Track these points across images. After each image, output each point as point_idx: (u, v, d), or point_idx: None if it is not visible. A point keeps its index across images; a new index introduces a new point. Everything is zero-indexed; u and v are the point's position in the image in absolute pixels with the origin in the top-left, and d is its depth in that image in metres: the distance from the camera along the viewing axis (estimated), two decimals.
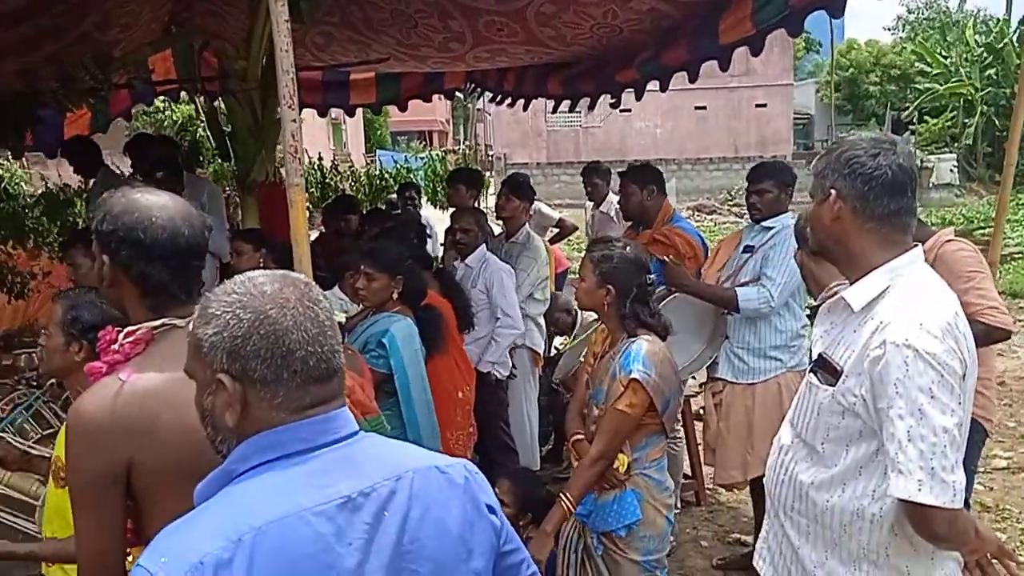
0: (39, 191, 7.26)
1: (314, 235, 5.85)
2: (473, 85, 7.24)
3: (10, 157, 7.42)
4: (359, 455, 1.23)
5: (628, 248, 2.78)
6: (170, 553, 1.09)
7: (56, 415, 3.18)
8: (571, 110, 6.31)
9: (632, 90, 5.30)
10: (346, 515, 1.16)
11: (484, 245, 4.54)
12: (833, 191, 1.86)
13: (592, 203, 6.31)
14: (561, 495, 2.64)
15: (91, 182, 5.87)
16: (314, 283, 1.29)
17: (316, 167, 7.99)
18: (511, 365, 4.48)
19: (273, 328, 1.17)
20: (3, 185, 7.22)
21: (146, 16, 4.74)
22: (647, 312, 2.72)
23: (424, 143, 32.23)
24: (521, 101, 6.74)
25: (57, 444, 2.28)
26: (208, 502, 1.17)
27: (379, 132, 29.21)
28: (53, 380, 3.56)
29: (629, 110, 28.13)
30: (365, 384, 2.92)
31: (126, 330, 1.63)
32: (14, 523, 2.92)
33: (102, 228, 1.63)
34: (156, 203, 1.65)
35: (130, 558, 1.56)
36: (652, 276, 2.84)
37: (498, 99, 6.99)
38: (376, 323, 3.30)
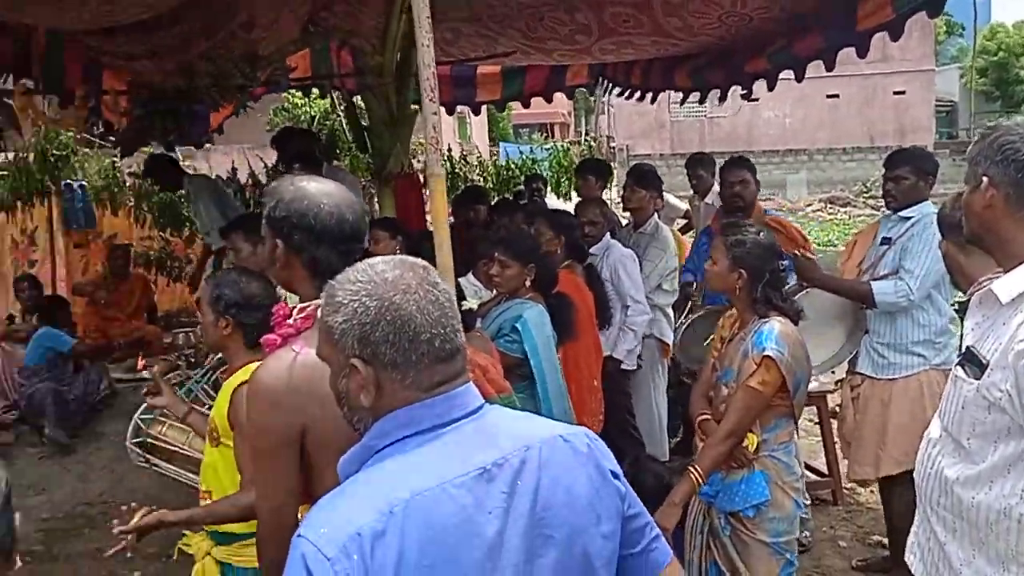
0: None
1: None
2: (602, 80, 7.25)
3: (164, 150, 7.98)
4: (489, 427, 1.29)
5: (762, 233, 2.79)
6: (328, 524, 1.16)
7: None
8: (700, 102, 6.22)
9: (764, 80, 5.19)
10: (483, 485, 1.21)
11: (609, 234, 4.58)
12: (986, 178, 1.80)
13: (696, 194, 6.22)
14: (690, 468, 2.66)
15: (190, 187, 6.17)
16: (431, 266, 1.33)
17: (446, 159, 8.21)
18: (638, 355, 4.49)
19: (399, 314, 1.22)
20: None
21: (287, 17, 5.01)
22: (779, 296, 2.74)
23: (545, 135, 32.38)
24: (649, 94, 6.72)
25: (215, 407, 2.52)
26: (357, 476, 1.24)
27: (502, 125, 29.57)
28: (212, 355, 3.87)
29: (757, 99, 27.27)
30: (495, 364, 3.02)
31: (298, 306, 1.77)
32: (178, 475, 3.19)
33: (275, 215, 1.76)
34: (323, 191, 1.77)
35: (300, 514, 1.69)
36: (785, 262, 2.84)
37: (626, 93, 6.97)
38: (509, 309, 3.40)
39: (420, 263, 1.31)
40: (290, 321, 1.75)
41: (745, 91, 5.53)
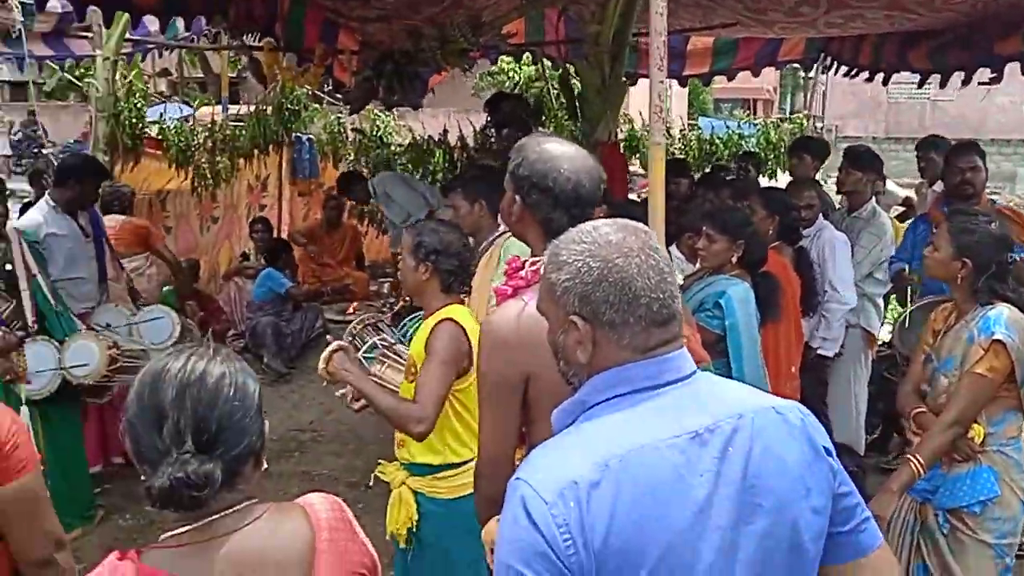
0: (407, 141, 8.22)
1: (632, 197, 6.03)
2: (823, 56, 6.89)
3: (384, 109, 8.44)
4: (701, 393, 1.30)
5: (994, 223, 2.66)
6: (546, 471, 1.21)
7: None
8: (942, 86, 5.76)
9: (1018, 63, 4.73)
10: (696, 448, 1.23)
11: (821, 216, 4.40)
12: None
13: (924, 180, 5.77)
14: (910, 456, 2.55)
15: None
16: (652, 231, 1.36)
17: (643, 129, 8.16)
18: (840, 343, 4.31)
19: (620, 276, 1.25)
20: (379, 134, 8.26)
21: None
22: (1006, 287, 2.60)
23: (748, 111, 31.15)
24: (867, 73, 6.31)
25: (413, 344, 2.72)
26: (573, 428, 1.29)
27: (702, 98, 28.75)
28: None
29: (988, 82, 24.85)
30: (695, 335, 3.02)
31: (529, 260, 1.86)
32: None
33: (518, 172, 1.85)
34: (566, 155, 1.83)
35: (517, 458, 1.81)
36: (1014, 255, 2.66)
37: (853, 72, 6.57)
38: (713, 284, 3.37)
39: (642, 228, 1.33)
40: (521, 274, 1.85)
41: (995, 75, 5.07)
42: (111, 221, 5.35)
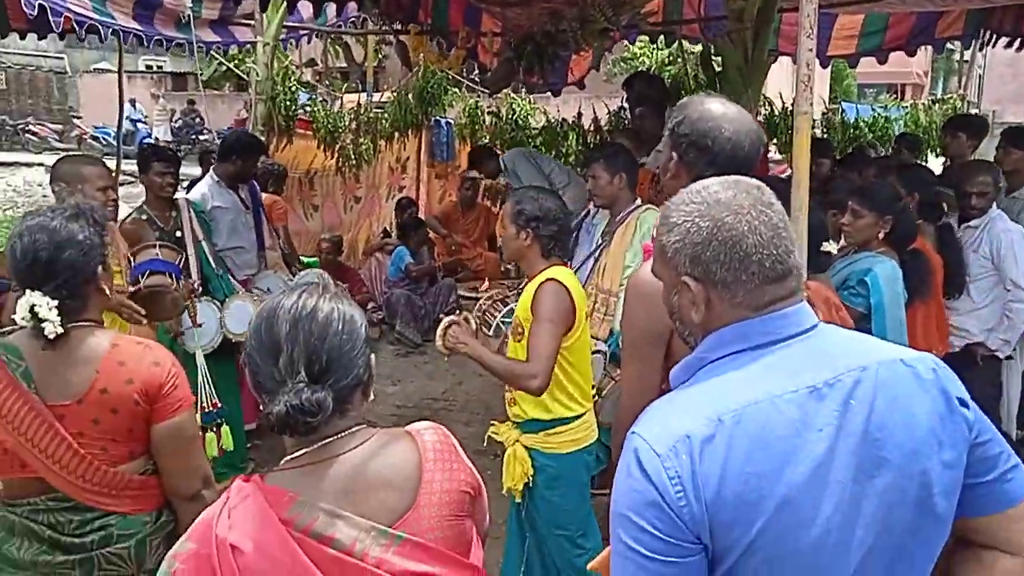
0: (541, 124, 8.34)
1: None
2: (982, 32, 6.49)
3: (523, 92, 8.57)
4: (823, 347, 1.28)
5: None
6: (660, 425, 1.22)
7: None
8: None
9: None
10: (813, 403, 1.21)
11: (993, 203, 4.15)
12: None
13: None
14: None
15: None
16: (765, 186, 1.32)
17: (781, 113, 7.92)
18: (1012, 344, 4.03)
19: (730, 234, 1.24)
20: (515, 117, 8.41)
21: None
22: None
23: (895, 96, 29.52)
24: None
25: (519, 306, 2.82)
26: (688, 384, 1.30)
27: (846, 83, 27.48)
28: None
29: None
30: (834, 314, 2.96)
31: None
32: None
33: (678, 130, 1.87)
34: (728, 116, 1.84)
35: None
36: None
37: (1017, 46, 6.12)
38: (858, 261, 3.29)
39: (755, 183, 1.31)
40: None
41: None
42: None
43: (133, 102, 19.21)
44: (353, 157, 7.58)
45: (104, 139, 19.46)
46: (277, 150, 6.66)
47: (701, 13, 6.11)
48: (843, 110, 10.95)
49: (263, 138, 6.15)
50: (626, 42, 7.26)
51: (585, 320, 2.85)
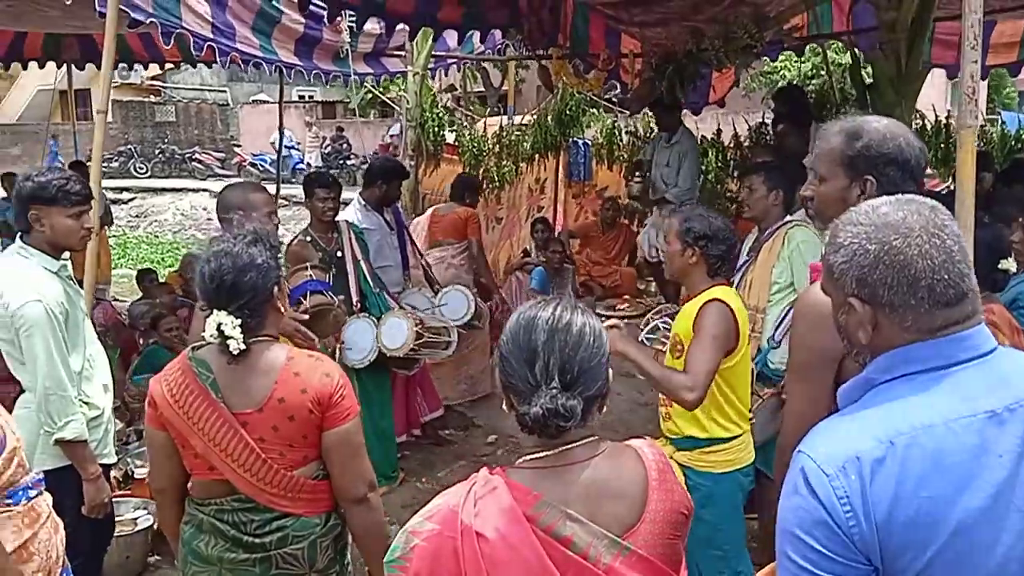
0: None
1: None
2: None
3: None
4: (1001, 371, 1.25)
5: None
6: (828, 445, 1.22)
7: None
8: None
9: None
10: (993, 429, 1.19)
11: None
12: None
13: None
14: None
15: None
16: (940, 206, 1.28)
17: (935, 127, 7.55)
18: None
19: (898, 258, 1.22)
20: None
21: None
22: None
23: None
24: None
25: (678, 324, 2.82)
26: (857, 405, 1.28)
27: (1006, 91, 25.73)
28: None
29: None
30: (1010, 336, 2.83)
31: None
32: None
33: (869, 153, 1.81)
34: (896, 126, 1.86)
35: None
36: None
37: None
38: None
39: (928, 203, 1.28)
40: None
41: None
42: (445, 209, 5.96)
43: (283, 131, 20.45)
44: (496, 179, 7.80)
45: (261, 166, 20.79)
46: (425, 175, 6.96)
47: (849, 25, 5.94)
48: (1003, 121, 10.30)
49: (412, 163, 6.45)
50: (767, 57, 7.12)
51: (748, 343, 2.84)
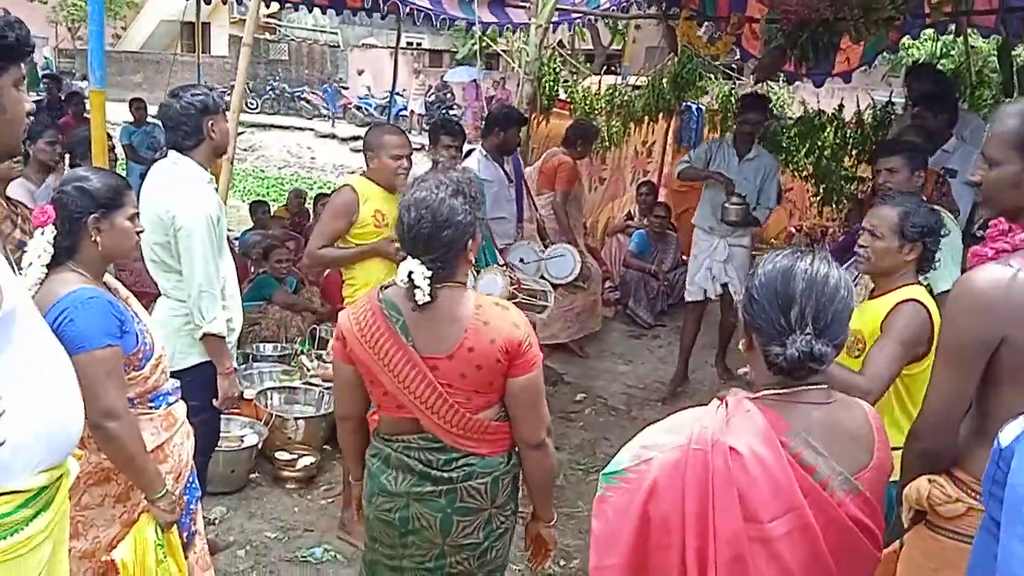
0: (797, 115, 8.02)
1: None
2: None
3: (782, 80, 8.29)
4: None
5: None
6: None
7: None
8: None
9: None
10: None
11: None
12: None
13: None
14: None
15: None
16: None
17: None
18: None
19: None
20: (772, 106, 8.13)
21: None
22: None
23: None
24: None
25: (865, 320, 2.56)
26: None
27: None
28: None
29: None
30: None
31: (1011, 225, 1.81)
32: None
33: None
34: None
35: None
36: None
37: None
38: None
39: None
40: (1005, 237, 1.80)
41: None
42: (548, 156, 5.92)
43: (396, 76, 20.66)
44: (604, 139, 7.71)
45: (366, 109, 21.10)
46: (537, 127, 6.94)
47: (993, 3, 5.59)
48: None
49: (527, 116, 6.43)
50: (908, 34, 6.75)
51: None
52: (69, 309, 2.11)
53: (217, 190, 3.28)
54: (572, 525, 3.98)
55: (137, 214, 2.39)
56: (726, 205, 5.26)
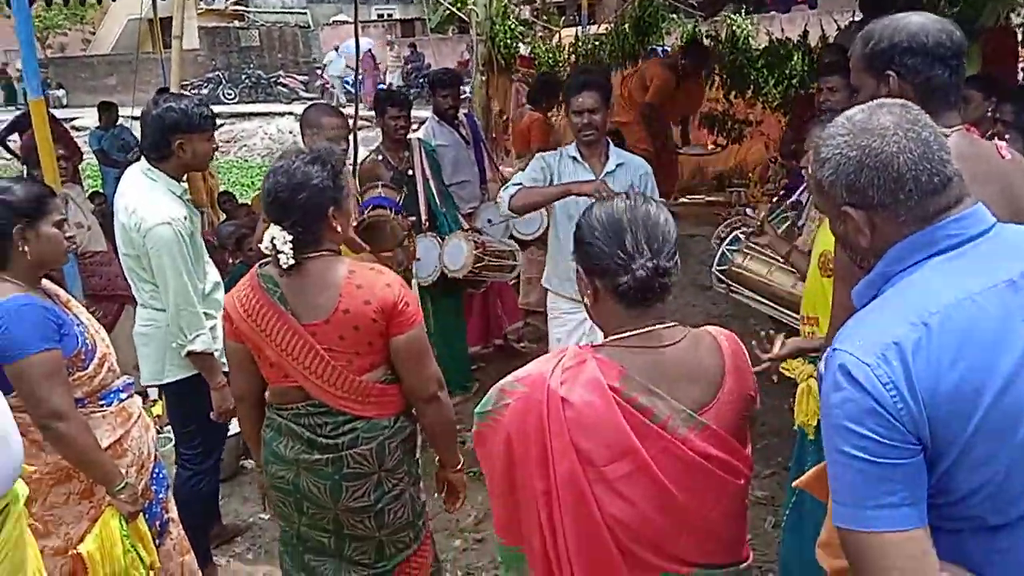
0: (763, 45, 7.95)
1: None
2: None
3: (744, 12, 8.19)
4: (1009, 242, 1.32)
5: None
6: (863, 338, 1.27)
7: None
8: None
9: None
10: (1011, 294, 1.25)
11: None
12: None
13: None
14: None
15: None
16: (910, 103, 1.34)
17: None
18: None
19: (879, 159, 1.28)
20: (737, 41, 8.06)
21: None
22: None
23: None
24: None
25: (824, 236, 2.58)
26: (883, 297, 1.33)
27: None
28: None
29: None
30: None
31: None
32: (779, 316, 3.46)
33: (879, 48, 1.82)
34: (917, 15, 1.81)
35: None
36: None
37: None
38: None
39: (897, 102, 1.34)
40: None
41: None
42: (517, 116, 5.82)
43: (359, 50, 20.47)
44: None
45: (344, 86, 20.96)
46: (497, 88, 6.88)
47: None
48: None
49: (483, 77, 6.40)
50: None
51: None
52: (3, 318, 2.16)
53: (191, 201, 3.15)
54: None
55: (64, 219, 2.42)
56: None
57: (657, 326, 1.57)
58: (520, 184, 3.56)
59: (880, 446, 1.23)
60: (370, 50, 7.98)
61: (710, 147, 7.87)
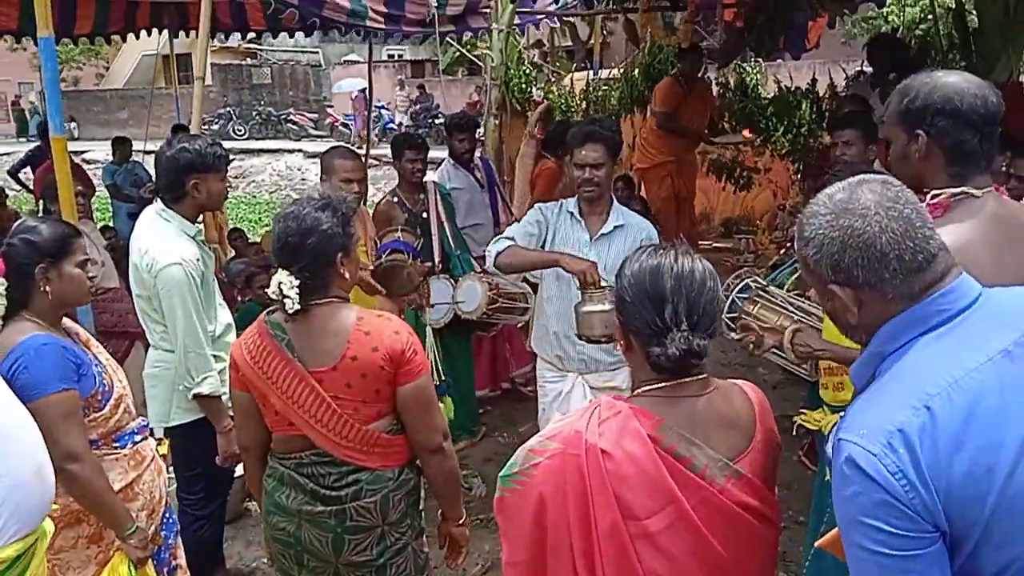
0: (772, 93, 8.02)
1: None
2: None
3: (753, 59, 8.28)
4: (997, 311, 1.30)
5: None
6: (866, 426, 1.24)
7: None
8: None
9: None
10: (1008, 365, 1.24)
11: None
12: None
13: None
14: None
15: None
16: (891, 178, 1.33)
17: None
18: None
19: (862, 238, 1.27)
20: (747, 87, 8.13)
21: None
22: None
23: None
24: None
25: None
26: (880, 381, 1.32)
27: None
28: None
29: None
30: None
31: (931, 194, 1.84)
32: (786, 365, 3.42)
33: (914, 106, 1.82)
34: (958, 76, 1.82)
35: None
36: None
37: None
38: None
39: (877, 179, 1.34)
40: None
41: None
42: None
43: (372, 91, 20.71)
44: None
45: (352, 126, 21.17)
46: (510, 132, 6.95)
47: None
48: None
49: (496, 120, 6.46)
50: (872, 3, 6.73)
51: None
52: (23, 357, 2.15)
53: (205, 242, 3.17)
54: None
55: (88, 259, 2.42)
56: (583, 309, 2.97)
57: (688, 379, 1.56)
58: (512, 239, 3.26)
59: (897, 538, 1.20)
60: (363, 90, 8.10)
61: (746, 135, 7.76)
